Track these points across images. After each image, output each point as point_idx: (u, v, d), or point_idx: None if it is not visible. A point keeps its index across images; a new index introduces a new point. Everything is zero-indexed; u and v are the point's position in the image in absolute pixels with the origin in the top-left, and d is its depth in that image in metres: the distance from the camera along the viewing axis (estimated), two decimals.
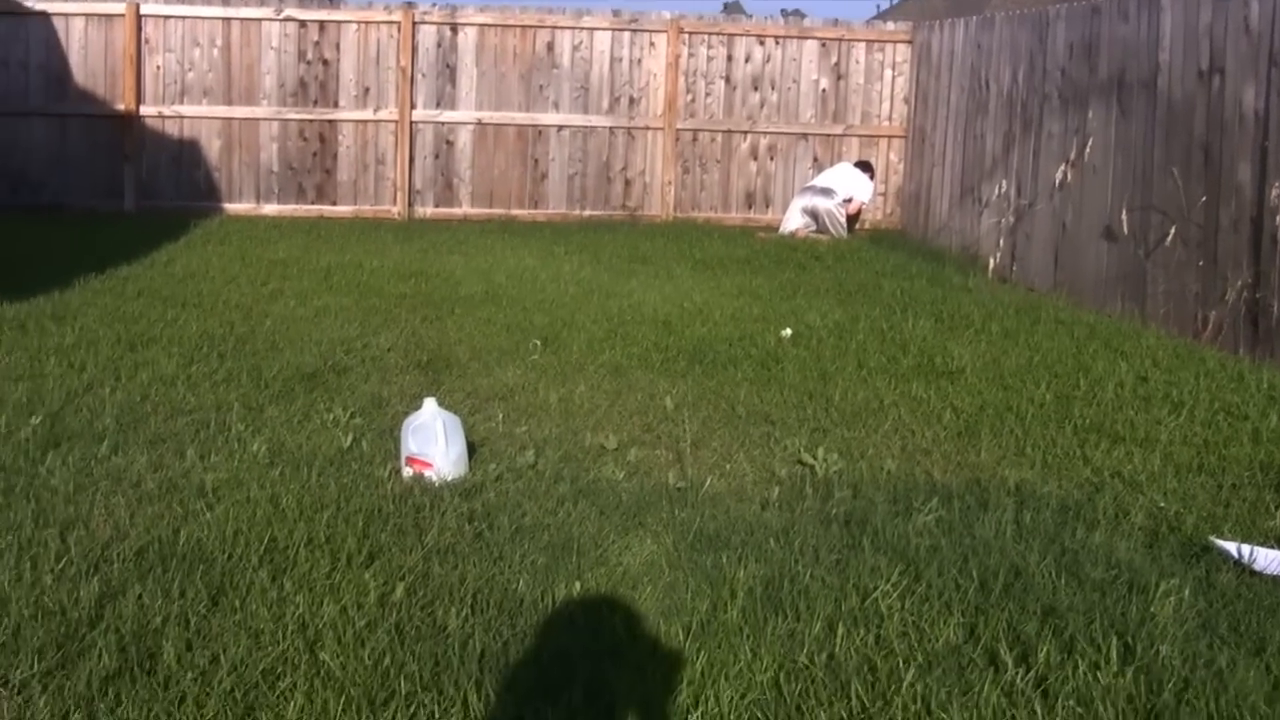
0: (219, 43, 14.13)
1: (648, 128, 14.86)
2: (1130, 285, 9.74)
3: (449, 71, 14.52)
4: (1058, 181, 10.91)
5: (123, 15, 13.79)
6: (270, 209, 14.31)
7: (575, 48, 14.72)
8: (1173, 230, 9.17)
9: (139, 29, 13.88)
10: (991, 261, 11.60)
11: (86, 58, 13.85)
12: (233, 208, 14.22)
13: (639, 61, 14.83)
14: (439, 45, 14.50)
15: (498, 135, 14.66)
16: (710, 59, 14.93)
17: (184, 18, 14.02)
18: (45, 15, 13.69)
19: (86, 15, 13.80)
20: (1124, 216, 9.80)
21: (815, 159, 15.13)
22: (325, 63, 14.33)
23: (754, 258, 12.05)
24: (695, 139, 14.99)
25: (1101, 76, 10.40)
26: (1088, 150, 10.45)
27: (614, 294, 9.65)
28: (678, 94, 14.84)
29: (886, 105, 15.17)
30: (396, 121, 14.40)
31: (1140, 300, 9.55)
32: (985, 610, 3.86)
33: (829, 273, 11.30)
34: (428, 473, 5.02)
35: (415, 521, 4.54)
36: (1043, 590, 4.04)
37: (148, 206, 13.94)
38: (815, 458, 5.46)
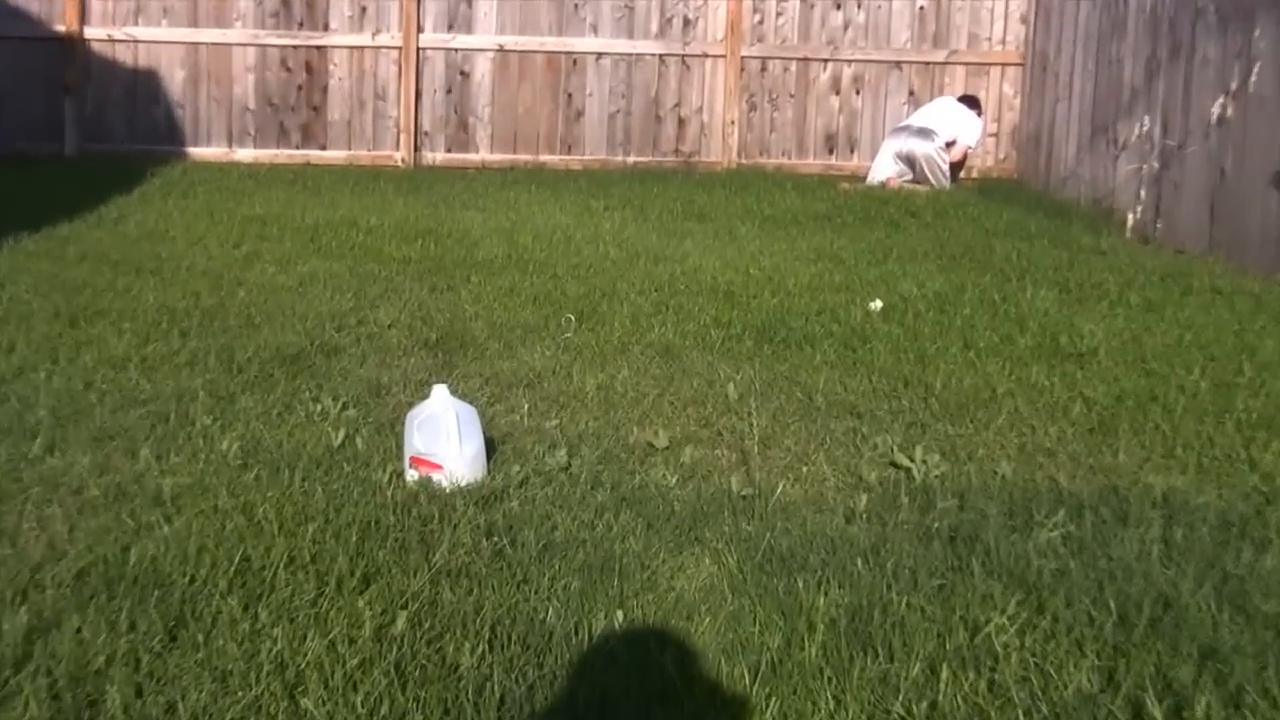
0: None
1: (706, 55, 14.81)
2: None
3: None
4: (1215, 118, 10.78)
5: None
6: (245, 154, 14.38)
7: None
8: None
9: None
10: (1130, 217, 11.53)
11: None
12: (199, 152, 14.30)
13: None
14: None
15: (523, 65, 14.65)
16: None
17: None
18: None
19: None
20: None
21: (911, 93, 15.06)
22: None
23: (836, 213, 12.03)
24: (764, 69, 14.94)
25: None
26: (1253, 78, 10.32)
27: (664, 258, 9.66)
28: (743, 13, 14.78)
29: (999, 25, 15.07)
30: (400, 48, 14.42)
31: None
32: (1126, 651, 3.81)
33: (928, 231, 11.28)
34: (436, 476, 5.00)
35: (421, 536, 4.52)
36: (1199, 627, 3.97)
37: (94, 150, 14.03)
38: (912, 459, 5.43)
